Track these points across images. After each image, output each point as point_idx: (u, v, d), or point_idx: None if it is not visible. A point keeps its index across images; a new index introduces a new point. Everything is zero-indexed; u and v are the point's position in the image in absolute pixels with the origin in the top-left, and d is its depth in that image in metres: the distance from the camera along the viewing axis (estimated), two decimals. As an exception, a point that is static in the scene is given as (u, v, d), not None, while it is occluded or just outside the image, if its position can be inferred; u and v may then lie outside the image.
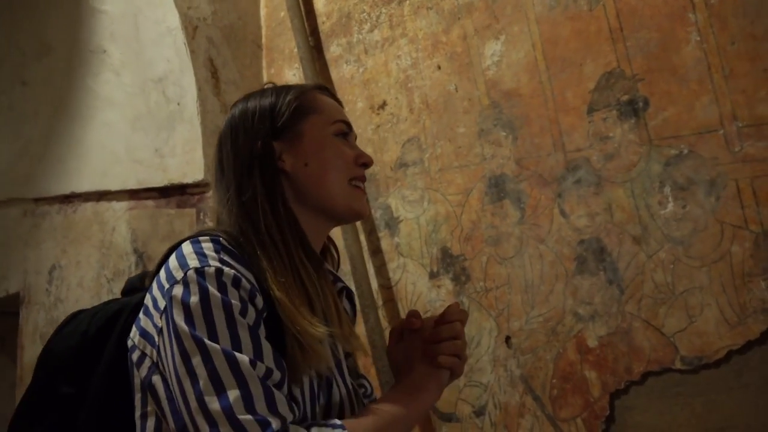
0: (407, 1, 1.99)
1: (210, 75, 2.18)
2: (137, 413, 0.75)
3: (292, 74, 2.32)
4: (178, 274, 0.73)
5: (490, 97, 1.78)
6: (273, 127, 0.91)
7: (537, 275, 1.63)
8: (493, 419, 1.66)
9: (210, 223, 1.76)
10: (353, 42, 2.14)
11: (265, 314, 0.75)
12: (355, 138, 1.02)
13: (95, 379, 0.79)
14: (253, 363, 0.68)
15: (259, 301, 0.75)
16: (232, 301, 0.71)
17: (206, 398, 0.65)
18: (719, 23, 1.40)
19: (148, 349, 0.74)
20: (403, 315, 1.89)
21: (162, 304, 0.74)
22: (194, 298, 0.70)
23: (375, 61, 2.06)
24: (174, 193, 2.20)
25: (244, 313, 0.71)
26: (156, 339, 0.73)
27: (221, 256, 0.76)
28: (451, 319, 0.87)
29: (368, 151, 1.99)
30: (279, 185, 0.88)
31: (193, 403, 0.66)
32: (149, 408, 0.74)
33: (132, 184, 2.31)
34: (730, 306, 1.34)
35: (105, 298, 2.17)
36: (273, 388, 0.69)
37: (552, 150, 1.64)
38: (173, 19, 2.13)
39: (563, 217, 1.60)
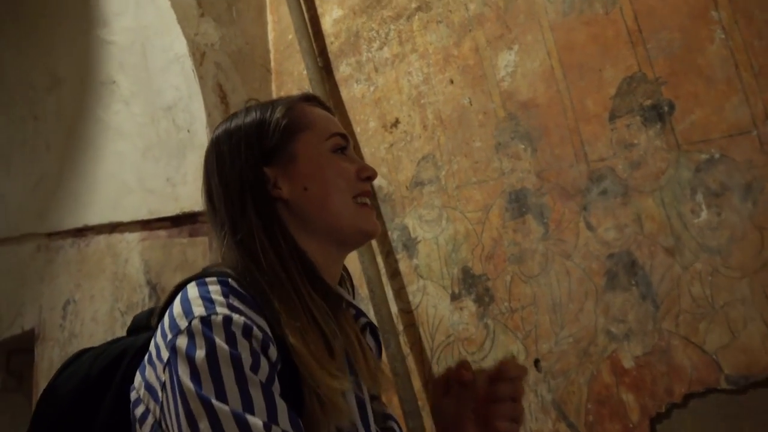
0: (416, 16, 1.95)
1: (219, 100, 2.15)
2: None
3: (302, 96, 2.28)
4: (182, 323, 0.65)
5: (506, 108, 1.71)
6: (262, 152, 0.83)
7: (565, 293, 1.54)
8: (525, 448, 1.56)
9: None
10: (362, 61, 2.09)
11: (279, 366, 0.67)
12: (354, 148, 0.93)
13: (95, 430, 0.72)
14: (267, 427, 0.60)
15: (273, 351, 0.67)
16: (242, 355, 0.63)
17: None
18: (744, 19, 1.33)
19: (152, 405, 0.67)
20: (425, 339, 1.81)
21: (165, 355, 0.66)
22: (200, 352, 0.62)
23: (386, 78, 2.02)
24: (186, 221, 2.16)
25: (256, 367, 0.63)
26: (159, 394, 0.66)
27: (230, 300, 0.68)
28: (510, 376, 0.75)
29: (382, 171, 1.94)
30: (277, 216, 0.81)
31: None
32: None
33: (144, 215, 2.28)
34: (777, 319, 1.24)
35: (119, 332, 2.13)
36: None
37: (574, 161, 1.57)
38: (181, 47, 2.11)
39: (590, 231, 1.52)
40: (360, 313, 0.88)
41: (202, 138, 2.05)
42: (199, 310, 0.66)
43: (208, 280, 0.71)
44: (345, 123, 2.11)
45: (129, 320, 0.91)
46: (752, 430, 1.25)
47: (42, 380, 2.66)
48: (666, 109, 1.43)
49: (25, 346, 2.88)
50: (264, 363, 0.64)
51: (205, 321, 0.64)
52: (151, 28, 2.18)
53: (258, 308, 0.70)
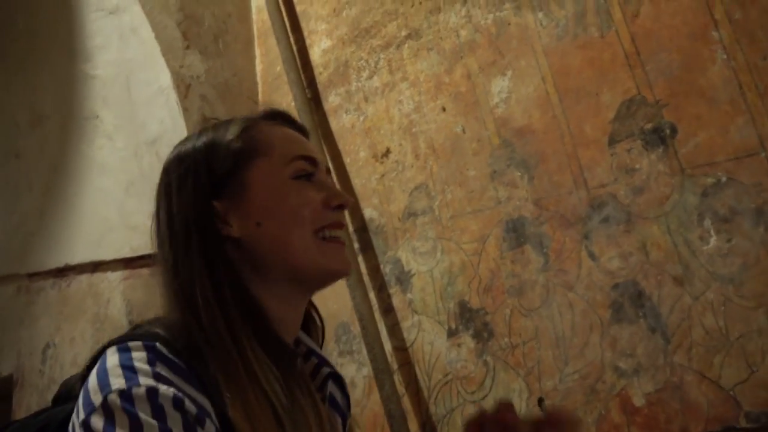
0: (406, 45, 1.91)
1: (205, 133, 2.08)
2: None
3: (291, 128, 2.23)
4: (97, 399, 0.54)
5: (501, 135, 1.66)
6: (211, 182, 0.71)
7: (568, 327, 1.46)
8: (532, 496, 1.45)
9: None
10: (352, 90, 2.04)
11: None
12: (328, 171, 0.81)
13: None
14: None
15: (210, 427, 0.56)
16: (173, 431, 0.52)
17: None
18: (747, 38, 1.28)
19: None
20: (422, 379, 1.71)
21: None
22: None
23: (376, 108, 1.96)
24: (170, 259, 2.06)
25: None
26: None
27: (156, 369, 0.57)
28: (560, 424, 0.59)
29: (373, 202, 1.87)
30: (225, 258, 0.69)
31: None
32: None
33: (126, 252, 2.19)
34: (798, 351, 1.16)
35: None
36: None
37: (573, 187, 1.50)
38: (165, 79, 2.05)
39: (592, 260, 1.45)
40: (323, 362, 0.77)
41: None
42: (117, 382, 0.55)
43: (131, 344, 0.59)
44: (335, 154, 2.05)
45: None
46: (776, 473, 1.16)
47: (18, 429, 2.51)
48: (668, 132, 1.38)
49: (5, 392, 2.74)
50: None
51: (125, 395, 0.53)
52: (135, 61, 2.13)
53: (193, 378, 0.59)
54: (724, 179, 1.29)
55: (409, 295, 1.77)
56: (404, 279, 1.79)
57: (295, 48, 2.25)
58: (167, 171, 0.76)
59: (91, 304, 2.32)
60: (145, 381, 0.55)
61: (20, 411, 2.54)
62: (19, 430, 0.66)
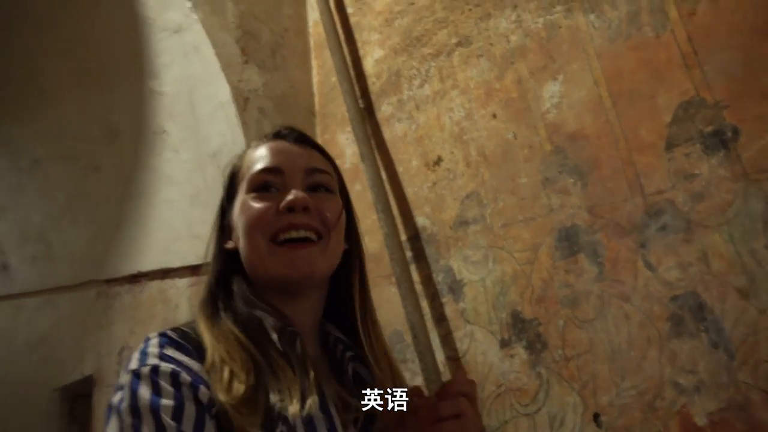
0: (456, 52, 1.90)
1: (262, 145, 2.15)
2: None
3: (345, 138, 2.26)
4: (121, 378, 0.68)
5: (553, 141, 1.62)
6: (221, 205, 0.87)
7: (624, 340, 1.41)
8: None
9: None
10: (404, 99, 2.05)
11: (214, 407, 0.66)
12: (312, 172, 0.84)
13: None
14: None
15: (204, 393, 0.66)
16: (163, 403, 0.63)
17: None
18: (816, 33, 1.20)
19: None
20: (474, 389, 1.69)
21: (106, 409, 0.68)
22: (125, 405, 0.63)
23: (427, 116, 1.96)
24: (231, 267, 2.14)
25: (179, 413, 0.63)
26: None
27: (164, 351, 0.69)
28: (453, 392, 0.66)
29: (425, 210, 1.87)
30: (221, 266, 0.83)
31: None
32: None
33: (192, 260, 2.29)
34: None
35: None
36: None
37: (628, 194, 1.45)
38: (224, 93, 2.13)
39: (650, 271, 1.39)
40: (347, 348, 0.85)
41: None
42: (133, 364, 0.68)
43: (152, 335, 0.73)
44: (387, 162, 2.06)
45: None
46: None
47: (99, 427, 2.68)
48: (729, 134, 1.30)
49: (86, 391, 2.93)
50: (189, 408, 0.64)
51: (135, 373, 0.66)
52: (198, 78, 2.23)
53: (192, 351, 0.70)
54: (792, 184, 1.20)
55: (461, 305, 1.76)
56: (456, 288, 1.78)
57: (349, 59, 2.28)
58: None
59: (161, 309, 2.44)
60: (152, 361, 0.67)
61: (100, 409, 2.70)
62: None
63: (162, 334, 0.72)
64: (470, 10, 1.88)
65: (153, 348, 0.69)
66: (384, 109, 2.13)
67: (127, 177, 2.72)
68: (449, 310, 1.78)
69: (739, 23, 1.30)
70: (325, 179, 0.85)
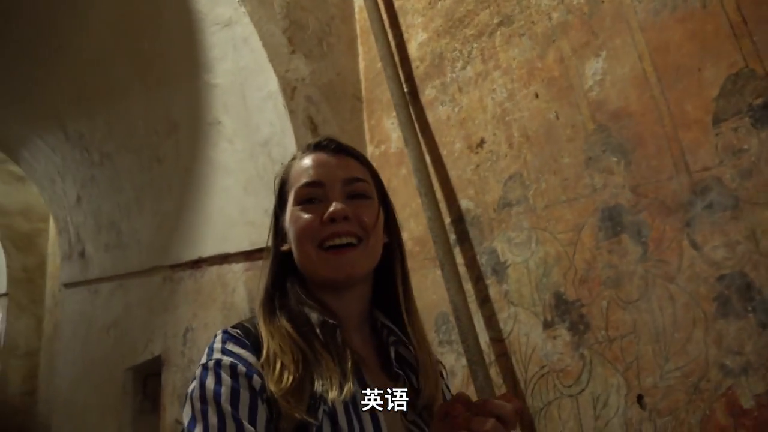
0: (498, 32, 1.88)
1: (310, 133, 2.21)
2: None
3: (391, 122, 2.28)
4: (196, 372, 0.81)
5: (596, 120, 1.58)
6: (275, 210, 0.96)
7: (669, 321, 1.38)
8: (632, 495, 1.40)
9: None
10: (447, 82, 2.05)
11: (266, 391, 0.78)
12: (350, 182, 0.92)
13: None
14: None
15: (257, 380, 0.78)
16: (223, 391, 0.75)
17: None
18: None
19: None
20: (518, 370, 1.70)
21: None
22: (195, 393, 0.77)
23: (470, 98, 1.96)
24: (283, 251, 2.22)
25: (235, 400, 0.75)
26: None
27: (225, 346, 0.81)
28: (487, 411, 0.69)
29: (469, 192, 1.88)
30: (278, 267, 0.93)
31: None
32: None
33: (246, 246, 2.38)
34: None
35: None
36: None
37: (674, 172, 1.41)
38: (273, 84, 2.20)
39: (695, 250, 1.35)
40: (390, 333, 0.94)
41: (293, 170, 2.11)
42: (203, 358, 0.81)
43: (218, 332, 0.85)
44: (432, 146, 2.07)
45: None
46: None
47: (168, 404, 2.84)
48: (781, 106, 1.24)
49: (156, 370, 3.11)
50: (244, 395, 0.76)
51: (204, 366, 0.79)
52: (248, 69, 2.30)
53: (249, 346, 0.82)
54: None
55: (505, 286, 1.76)
56: (500, 270, 1.78)
57: (393, 44, 2.30)
58: None
59: (220, 293, 2.56)
60: (216, 356, 0.80)
61: (168, 387, 2.87)
62: None
63: (225, 332, 0.84)
64: (512, -12, 1.86)
65: (218, 344, 0.82)
66: (428, 93, 2.14)
67: (186, 167, 2.85)
68: (493, 291, 1.79)
69: (790, -12, 1.23)
70: (362, 187, 0.94)
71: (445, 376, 1.06)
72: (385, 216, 0.97)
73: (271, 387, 0.76)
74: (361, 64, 2.53)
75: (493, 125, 1.86)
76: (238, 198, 2.44)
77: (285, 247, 0.93)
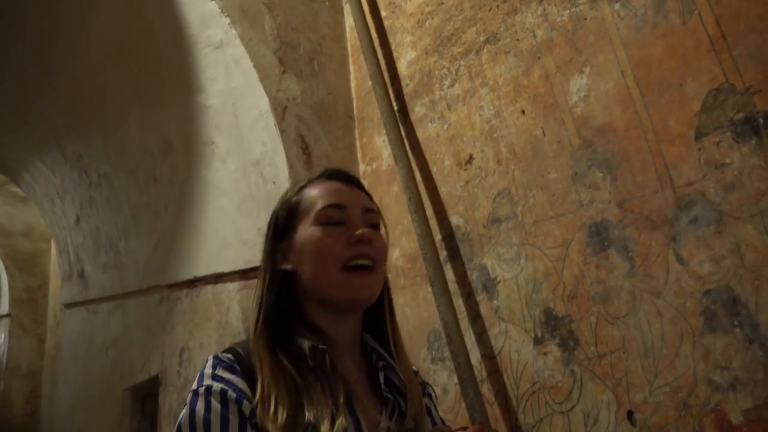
0: (484, 49, 1.90)
1: (301, 152, 2.22)
2: None
3: (382, 140, 2.29)
4: (187, 397, 0.82)
5: (581, 136, 1.59)
6: (277, 230, 0.96)
7: (657, 336, 1.37)
8: None
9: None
10: (435, 99, 2.07)
11: (255, 417, 0.79)
12: (367, 211, 0.96)
13: None
14: None
15: (246, 406, 0.79)
16: (212, 418, 0.77)
17: None
18: None
19: None
20: (510, 387, 1.69)
21: None
22: (185, 419, 0.78)
23: (458, 115, 1.97)
24: (276, 270, 2.22)
25: (225, 425, 0.77)
26: None
27: (216, 372, 0.82)
28: None
29: (458, 209, 1.88)
30: (282, 285, 0.92)
31: None
32: None
33: (240, 265, 2.39)
34: None
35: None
36: None
37: (658, 187, 1.41)
38: (264, 104, 2.22)
39: (681, 265, 1.35)
40: (380, 358, 0.96)
41: (285, 189, 2.12)
42: (194, 384, 0.82)
43: (209, 358, 0.87)
44: (422, 163, 2.08)
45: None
46: None
47: (165, 424, 2.83)
48: (761, 121, 1.25)
49: (154, 390, 3.11)
50: (234, 422, 0.78)
51: (195, 393, 0.80)
52: (239, 90, 2.32)
53: (239, 372, 0.83)
54: (828, 171, 1.14)
55: (495, 302, 1.76)
56: (490, 286, 1.78)
57: (383, 62, 2.32)
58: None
59: (215, 312, 2.56)
60: (206, 382, 0.81)
61: (165, 407, 2.86)
62: None
63: (216, 357, 0.86)
64: (497, 6, 1.88)
65: (208, 369, 0.83)
66: (417, 110, 2.15)
67: (181, 187, 2.86)
68: (484, 308, 1.79)
69: None
70: (375, 218, 0.98)
71: (433, 397, 1.09)
72: None
73: (268, 425, 0.77)
74: (353, 83, 2.54)
75: (482, 142, 1.87)
76: (232, 217, 2.45)
77: (288, 267, 0.92)
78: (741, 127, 1.28)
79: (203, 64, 2.44)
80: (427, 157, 2.07)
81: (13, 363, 6.96)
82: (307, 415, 0.79)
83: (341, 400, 0.83)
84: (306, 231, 0.92)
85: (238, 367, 0.84)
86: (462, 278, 1.86)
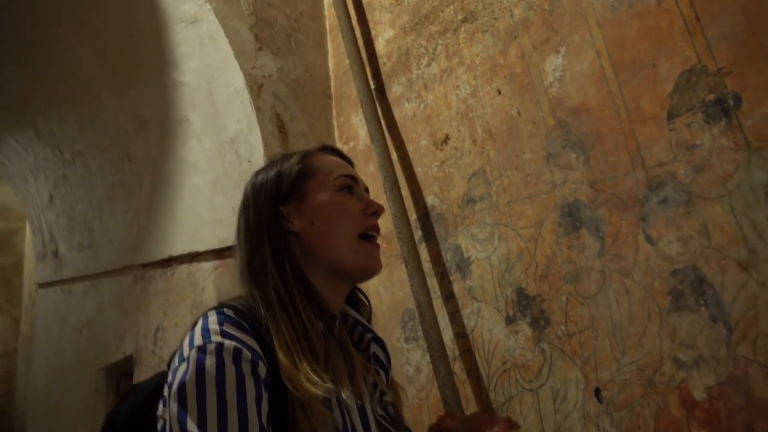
0: (462, 28, 1.88)
1: (277, 130, 2.19)
2: None
3: (359, 119, 2.28)
4: (186, 353, 0.74)
5: (556, 116, 1.59)
6: (279, 194, 0.93)
7: (625, 315, 1.39)
8: (590, 488, 1.41)
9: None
10: (413, 78, 2.05)
11: (270, 379, 0.75)
12: (366, 191, 1.00)
13: None
14: None
15: (262, 368, 0.74)
16: (227, 379, 0.70)
17: None
18: (820, -9, 1.14)
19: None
20: (482, 366, 1.70)
21: (170, 378, 0.74)
22: (190, 378, 0.70)
23: (435, 94, 1.96)
24: (251, 249, 2.21)
25: (240, 388, 0.71)
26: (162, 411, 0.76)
27: (224, 328, 0.75)
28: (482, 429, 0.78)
29: (434, 189, 1.88)
30: (286, 246, 0.90)
31: None
32: None
33: (215, 244, 2.37)
34: None
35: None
36: None
37: (630, 168, 1.42)
38: (239, 81, 2.18)
39: (650, 245, 1.36)
40: (367, 330, 0.97)
41: (260, 167, 2.09)
42: (198, 340, 0.74)
43: (209, 312, 0.80)
44: (398, 143, 2.07)
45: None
46: None
47: (139, 403, 2.81)
48: (731, 102, 1.26)
49: (128, 370, 3.08)
50: (250, 383, 0.71)
51: (201, 349, 0.72)
52: (214, 67, 2.28)
53: (253, 332, 0.78)
54: (794, 152, 1.15)
55: (468, 282, 1.76)
56: (464, 266, 1.78)
57: (361, 40, 2.29)
58: (246, 191, 0.98)
59: (190, 292, 2.54)
60: (215, 338, 0.73)
61: (140, 387, 2.84)
62: (143, 389, 0.88)
63: (220, 312, 0.79)
64: (475, -15, 1.86)
65: (214, 325, 0.76)
66: (395, 90, 2.13)
67: (156, 165, 2.82)
68: (457, 287, 1.79)
69: (739, -15, 1.24)
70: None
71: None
72: None
73: (301, 382, 0.74)
74: (331, 61, 2.51)
75: (458, 121, 1.86)
76: (207, 196, 2.42)
77: (294, 227, 0.91)
78: (712, 108, 1.28)
79: (177, 39, 2.39)
80: (404, 136, 2.06)
81: (-13, 343, 6.87)
82: (327, 377, 0.78)
83: (357, 367, 0.84)
84: (324, 195, 0.92)
85: (246, 325, 0.78)
86: (436, 258, 1.87)
